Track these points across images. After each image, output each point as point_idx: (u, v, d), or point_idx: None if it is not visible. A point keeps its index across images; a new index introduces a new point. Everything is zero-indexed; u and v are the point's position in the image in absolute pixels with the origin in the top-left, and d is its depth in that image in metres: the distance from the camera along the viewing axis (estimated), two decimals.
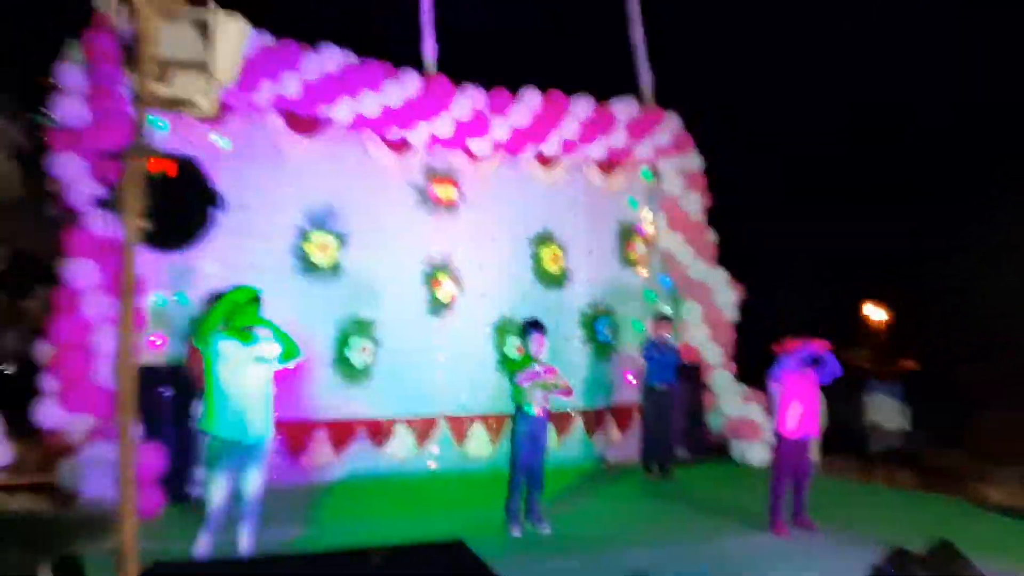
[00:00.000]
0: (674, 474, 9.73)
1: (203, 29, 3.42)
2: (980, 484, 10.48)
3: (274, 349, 5.43)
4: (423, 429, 9.70)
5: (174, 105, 3.53)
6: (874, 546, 5.41)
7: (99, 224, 7.28)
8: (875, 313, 16.52)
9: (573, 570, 6.17)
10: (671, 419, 9.76)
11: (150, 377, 7.50)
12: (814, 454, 7.77)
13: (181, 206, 3.47)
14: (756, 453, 10.43)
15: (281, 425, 8.00)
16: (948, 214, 13.73)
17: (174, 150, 3.16)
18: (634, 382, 10.67)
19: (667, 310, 10.91)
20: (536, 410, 7.19)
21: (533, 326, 7.41)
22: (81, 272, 7.51)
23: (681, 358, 10.09)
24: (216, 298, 7.61)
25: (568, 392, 7.39)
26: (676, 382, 9.74)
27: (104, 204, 3.33)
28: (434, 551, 3.86)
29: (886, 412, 10.74)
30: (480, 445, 9.99)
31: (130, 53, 3.33)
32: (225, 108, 8.71)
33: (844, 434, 11.29)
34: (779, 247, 14.93)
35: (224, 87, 3.60)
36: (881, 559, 4.94)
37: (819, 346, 7.25)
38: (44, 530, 2.89)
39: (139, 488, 3.23)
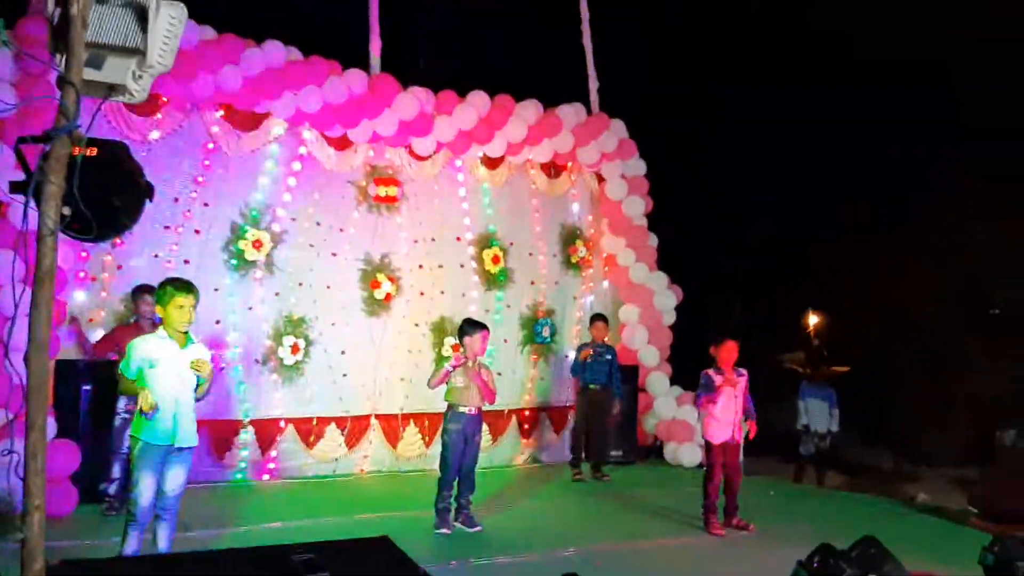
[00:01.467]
0: (607, 475, 9.75)
1: (139, 13, 3.29)
2: (907, 485, 10.74)
3: (205, 355, 5.17)
4: (355, 429, 9.57)
5: (104, 90, 3.39)
6: (802, 544, 5.48)
7: (17, 212, 7.04)
8: (811, 318, 16.84)
9: (503, 570, 6.11)
10: (605, 420, 9.79)
11: (68, 371, 7.26)
12: (740, 456, 7.95)
13: (107, 194, 3.32)
14: (689, 455, 10.52)
15: (207, 423, 7.82)
16: (885, 222, 14.01)
17: (102, 136, 3.06)
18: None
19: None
20: (469, 409, 7.14)
21: (476, 325, 7.34)
22: None
23: (617, 360, 10.10)
24: (140, 290, 7.43)
25: (490, 392, 7.26)
26: (611, 383, 9.78)
27: (20, 189, 3.16)
28: (358, 548, 3.77)
29: (817, 415, 10.93)
30: (413, 445, 9.90)
31: (59, 35, 3.18)
32: (161, 98, 8.52)
33: (776, 436, 11.46)
34: (719, 251, 15.09)
35: (157, 74, 3.47)
36: (807, 555, 5.02)
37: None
38: None
39: (51, 485, 3.09)
